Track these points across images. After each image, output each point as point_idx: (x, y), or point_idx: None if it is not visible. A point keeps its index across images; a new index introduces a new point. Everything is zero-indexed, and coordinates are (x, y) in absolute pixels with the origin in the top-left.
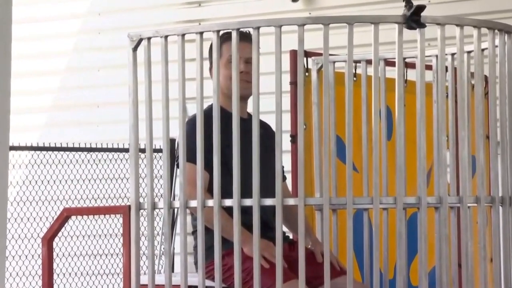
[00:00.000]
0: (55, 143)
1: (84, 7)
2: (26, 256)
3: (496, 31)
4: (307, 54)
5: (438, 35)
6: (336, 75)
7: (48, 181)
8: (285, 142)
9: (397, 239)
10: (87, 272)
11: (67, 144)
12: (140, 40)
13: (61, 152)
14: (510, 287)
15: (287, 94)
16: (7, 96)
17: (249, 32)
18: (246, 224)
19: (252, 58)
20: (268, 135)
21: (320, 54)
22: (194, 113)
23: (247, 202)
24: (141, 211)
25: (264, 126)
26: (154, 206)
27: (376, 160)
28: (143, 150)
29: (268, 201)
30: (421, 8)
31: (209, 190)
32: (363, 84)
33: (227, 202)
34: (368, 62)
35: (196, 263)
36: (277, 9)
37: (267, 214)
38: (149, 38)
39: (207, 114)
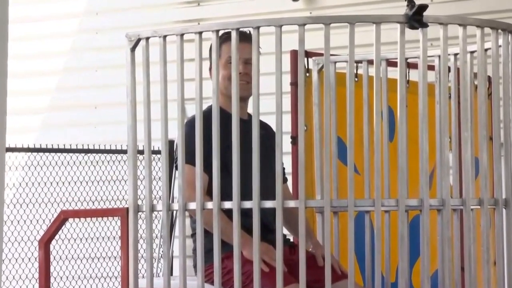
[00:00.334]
0: (52, 145)
1: (81, 7)
2: (23, 259)
3: (499, 30)
4: (308, 54)
5: (440, 35)
6: (337, 76)
7: (45, 183)
8: (285, 144)
9: (399, 242)
10: (85, 276)
11: (64, 145)
12: (138, 40)
13: (58, 154)
14: None
15: (288, 95)
16: (4, 96)
17: (249, 32)
18: (246, 226)
19: (251, 59)
20: (268, 136)
21: (321, 54)
22: (193, 114)
23: (247, 204)
24: (140, 213)
25: (264, 127)
26: (152, 209)
27: (377, 161)
28: (141, 152)
29: (268, 203)
30: (423, 7)
31: (208, 192)
32: (364, 85)
33: (227, 205)
34: (370, 62)
35: (195, 266)
36: (277, 9)
37: (267, 216)
38: (147, 38)
39: (207, 115)
